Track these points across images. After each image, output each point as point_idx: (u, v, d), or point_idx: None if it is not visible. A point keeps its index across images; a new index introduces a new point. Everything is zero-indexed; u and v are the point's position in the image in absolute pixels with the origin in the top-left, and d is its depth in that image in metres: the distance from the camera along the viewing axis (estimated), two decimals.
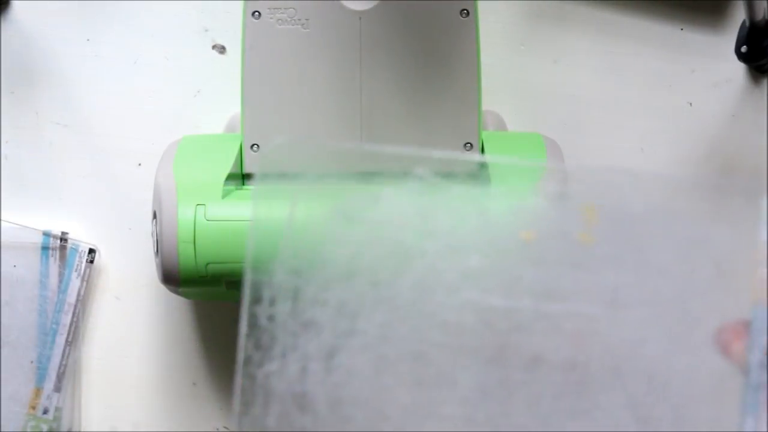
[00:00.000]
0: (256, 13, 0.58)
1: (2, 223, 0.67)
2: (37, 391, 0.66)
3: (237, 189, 0.59)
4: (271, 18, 0.58)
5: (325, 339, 0.36)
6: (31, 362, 0.67)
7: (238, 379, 0.36)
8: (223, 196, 0.56)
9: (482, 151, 0.59)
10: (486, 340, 0.36)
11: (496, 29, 0.68)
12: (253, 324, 0.37)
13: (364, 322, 0.36)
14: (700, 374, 0.36)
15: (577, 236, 0.36)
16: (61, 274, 0.67)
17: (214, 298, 0.63)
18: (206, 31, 0.69)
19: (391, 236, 0.36)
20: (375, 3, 0.58)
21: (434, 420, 0.36)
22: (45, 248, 0.67)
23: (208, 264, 0.55)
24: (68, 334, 0.67)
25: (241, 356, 0.36)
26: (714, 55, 0.68)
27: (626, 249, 0.36)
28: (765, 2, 0.62)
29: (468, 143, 0.59)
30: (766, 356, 0.35)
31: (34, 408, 0.67)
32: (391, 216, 0.37)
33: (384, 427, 0.36)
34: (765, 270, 0.35)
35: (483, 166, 0.59)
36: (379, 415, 0.36)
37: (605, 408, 0.36)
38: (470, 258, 0.36)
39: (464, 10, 0.58)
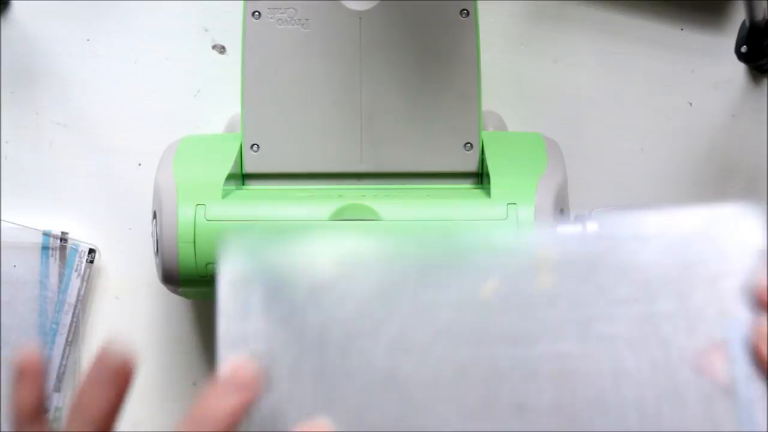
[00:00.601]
0: (256, 13, 0.58)
1: (2, 223, 0.67)
2: None
3: (237, 189, 0.59)
4: (271, 18, 0.58)
5: (304, 411, 0.35)
6: None
7: None
8: (223, 196, 0.56)
9: (482, 151, 0.59)
10: (467, 394, 0.36)
11: (496, 29, 0.68)
12: None
13: (341, 392, 0.35)
14: (688, 395, 0.36)
15: (536, 282, 0.36)
16: (61, 274, 0.67)
17: (214, 298, 0.63)
18: (206, 31, 0.69)
19: (353, 312, 0.36)
20: (375, 3, 0.58)
21: None
22: (45, 248, 0.67)
23: (208, 264, 0.55)
24: (68, 334, 0.67)
25: None
26: (714, 55, 0.68)
27: (585, 286, 0.36)
28: (765, 2, 0.62)
29: (468, 143, 0.59)
30: (750, 370, 0.35)
31: None
32: (349, 292, 0.36)
33: None
34: (731, 282, 0.36)
35: (482, 165, 0.59)
36: None
37: None
38: (440, 313, 0.36)
39: (464, 10, 0.58)
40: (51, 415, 0.66)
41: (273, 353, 0.36)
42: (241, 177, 0.60)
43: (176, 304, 0.68)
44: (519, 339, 0.36)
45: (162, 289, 0.59)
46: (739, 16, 0.67)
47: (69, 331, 0.67)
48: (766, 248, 0.36)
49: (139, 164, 0.69)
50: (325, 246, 0.37)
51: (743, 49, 0.66)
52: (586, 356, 0.36)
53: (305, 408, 0.35)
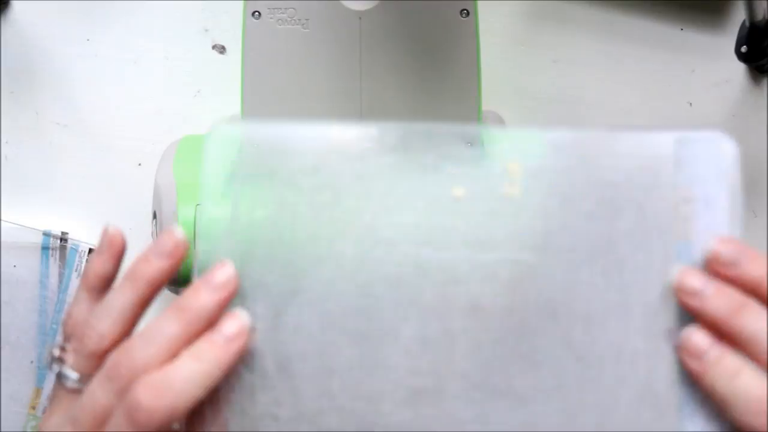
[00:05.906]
0: (256, 13, 0.58)
1: (2, 223, 0.67)
2: (37, 391, 0.66)
3: None
4: (271, 18, 0.58)
5: (272, 299, 0.37)
6: (31, 362, 0.67)
7: None
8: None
9: None
10: (425, 291, 0.38)
11: (496, 29, 0.68)
12: None
13: (309, 280, 0.38)
14: (633, 310, 0.38)
15: (503, 190, 0.39)
16: (61, 274, 0.67)
17: None
18: (206, 31, 0.69)
19: (329, 199, 0.38)
20: (375, 3, 0.58)
21: (380, 371, 0.37)
22: (45, 248, 0.67)
23: None
24: None
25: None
26: (714, 55, 0.68)
27: (552, 199, 0.38)
28: (765, 2, 0.62)
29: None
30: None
31: (34, 408, 0.67)
32: (328, 180, 0.38)
33: (331, 381, 0.37)
34: (687, 208, 0.38)
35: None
36: (326, 369, 0.37)
37: (545, 350, 0.37)
38: (405, 214, 0.38)
39: (464, 10, 0.58)
40: None
41: (249, 235, 0.38)
42: None
43: None
44: (480, 244, 0.38)
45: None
46: (739, 16, 0.67)
47: None
48: (737, 180, 0.38)
49: (139, 164, 0.69)
50: (309, 135, 0.38)
51: (743, 49, 0.66)
52: (543, 266, 0.38)
53: (273, 298, 0.38)
